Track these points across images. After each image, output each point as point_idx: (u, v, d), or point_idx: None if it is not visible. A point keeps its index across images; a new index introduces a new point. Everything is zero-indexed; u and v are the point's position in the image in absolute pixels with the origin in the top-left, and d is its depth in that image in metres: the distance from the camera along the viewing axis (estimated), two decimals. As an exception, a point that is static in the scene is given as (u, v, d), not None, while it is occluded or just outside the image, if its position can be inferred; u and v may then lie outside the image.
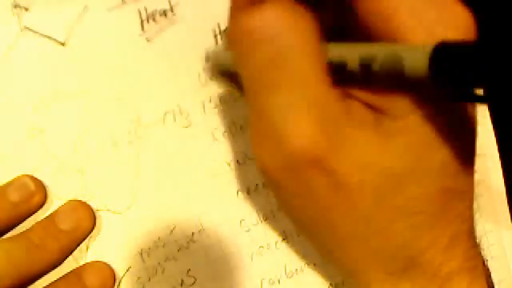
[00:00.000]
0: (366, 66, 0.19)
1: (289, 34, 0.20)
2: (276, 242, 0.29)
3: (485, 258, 0.32)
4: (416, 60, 0.18)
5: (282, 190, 0.23)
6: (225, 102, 0.30)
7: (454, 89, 0.18)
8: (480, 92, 0.18)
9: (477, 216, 0.32)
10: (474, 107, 0.22)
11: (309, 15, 0.21)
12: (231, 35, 0.22)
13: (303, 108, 0.20)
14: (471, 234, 0.24)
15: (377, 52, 0.19)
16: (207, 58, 0.29)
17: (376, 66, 0.19)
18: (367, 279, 0.24)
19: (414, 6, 0.20)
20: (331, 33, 0.22)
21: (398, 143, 0.20)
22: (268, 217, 0.29)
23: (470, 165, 0.22)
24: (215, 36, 0.30)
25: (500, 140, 0.33)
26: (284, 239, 0.29)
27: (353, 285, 0.25)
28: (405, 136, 0.20)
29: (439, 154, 0.21)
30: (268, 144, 0.21)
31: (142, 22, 0.29)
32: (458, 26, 0.19)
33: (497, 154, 0.33)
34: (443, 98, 0.20)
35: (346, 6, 0.21)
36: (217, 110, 0.30)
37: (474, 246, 0.24)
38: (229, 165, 0.29)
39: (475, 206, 0.32)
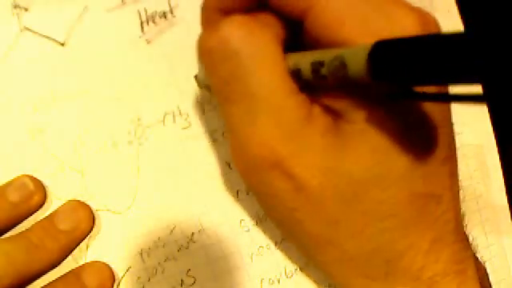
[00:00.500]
0: (315, 70, 0.20)
1: (245, 48, 0.21)
2: (276, 242, 0.29)
3: (484, 258, 0.32)
4: (357, 60, 0.18)
5: (254, 191, 0.25)
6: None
7: (393, 87, 0.19)
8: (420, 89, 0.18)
9: (477, 216, 0.32)
10: (434, 108, 0.21)
11: (266, 27, 0.22)
12: (198, 52, 0.23)
13: (262, 116, 0.21)
14: (458, 235, 0.24)
15: (324, 56, 0.20)
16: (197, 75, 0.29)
17: (324, 71, 0.20)
18: (347, 283, 0.24)
19: (360, 14, 0.20)
20: (290, 44, 0.22)
21: (356, 148, 0.21)
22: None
23: (443, 166, 0.22)
24: (215, 37, 0.30)
25: (500, 140, 0.33)
26: (284, 239, 0.29)
27: None
28: (362, 141, 0.21)
29: (401, 158, 0.21)
30: (236, 149, 0.23)
31: (141, 23, 0.30)
32: (405, 27, 0.20)
33: (497, 156, 0.33)
34: (387, 97, 0.20)
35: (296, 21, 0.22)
36: (216, 111, 0.30)
37: (462, 248, 0.24)
38: (228, 165, 0.29)
39: (475, 206, 0.32)
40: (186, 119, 0.29)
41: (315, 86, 0.21)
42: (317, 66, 0.20)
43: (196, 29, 0.30)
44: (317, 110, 0.22)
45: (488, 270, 0.32)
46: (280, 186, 0.22)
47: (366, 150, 0.21)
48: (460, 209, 0.24)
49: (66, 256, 0.27)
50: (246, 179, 0.24)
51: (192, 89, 0.30)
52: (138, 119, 0.29)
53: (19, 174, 0.27)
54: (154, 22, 0.30)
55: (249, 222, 0.29)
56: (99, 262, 0.28)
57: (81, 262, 0.27)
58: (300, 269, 0.29)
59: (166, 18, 0.30)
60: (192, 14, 0.30)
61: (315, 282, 0.29)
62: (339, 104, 0.21)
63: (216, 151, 0.29)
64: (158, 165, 0.29)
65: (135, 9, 0.30)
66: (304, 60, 0.21)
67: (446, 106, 0.23)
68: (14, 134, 0.28)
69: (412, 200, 0.22)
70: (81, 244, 0.27)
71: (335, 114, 0.22)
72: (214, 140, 0.30)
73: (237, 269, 0.29)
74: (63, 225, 0.27)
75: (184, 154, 0.29)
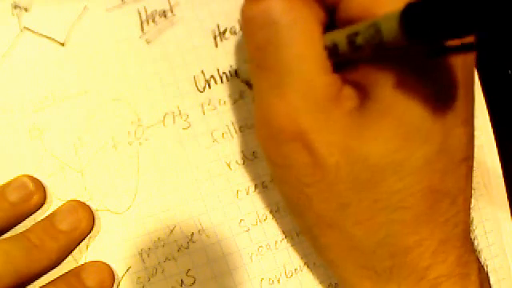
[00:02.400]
0: (351, 42, 0.20)
1: (285, 20, 0.21)
2: (276, 242, 0.29)
3: (485, 258, 0.32)
4: (390, 24, 0.18)
5: (271, 161, 0.24)
6: (224, 104, 0.30)
7: (428, 44, 0.19)
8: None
9: (476, 215, 0.32)
10: (459, 106, 0.21)
11: (308, 5, 0.22)
12: (242, 21, 0.23)
13: (291, 87, 0.21)
14: (466, 239, 0.23)
15: (359, 27, 0.20)
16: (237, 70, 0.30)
17: (360, 40, 0.20)
18: (347, 274, 0.24)
19: None
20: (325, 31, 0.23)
21: (379, 132, 0.21)
22: (268, 217, 0.29)
23: (461, 166, 0.22)
24: (215, 37, 0.30)
25: (499, 140, 0.33)
26: (284, 239, 0.29)
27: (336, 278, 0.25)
28: (386, 124, 0.21)
29: (422, 148, 0.21)
30: (260, 117, 0.23)
31: (141, 23, 0.30)
32: None
33: (497, 156, 0.33)
34: (422, 57, 0.20)
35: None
36: (216, 111, 0.30)
37: (468, 252, 0.23)
38: (228, 165, 0.29)
39: (475, 205, 0.32)
40: (185, 120, 0.29)
41: (350, 61, 0.22)
42: (352, 38, 0.20)
43: (196, 28, 0.30)
44: (346, 91, 0.22)
45: (488, 270, 0.32)
46: (298, 159, 0.22)
47: (389, 134, 0.21)
48: (470, 213, 0.24)
49: (66, 256, 0.27)
50: (265, 148, 0.24)
51: (192, 89, 0.30)
52: (138, 119, 0.29)
53: (19, 173, 0.27)
54: (153, 21, 0.30)
55: (249, 222, 0.29)
56: (99, 261, 0.28)
57: (81, 262, 0.27)
58: (300, 269, 0.29)
59: (165, 16, 0.30)
60: (192, 12, 0.30)
61: (315, 282, 0.29)
62: (368, 80, 0.21)
63: (216, 151, 0.29)
64: (158, 165, 0.29)
65: (135, 8, 0.30)
66: (340, 34, 0.21)
67: (471, 106, 0.22)
68: (14, 134, 0.28)
69: (427, 195, 0.21)
70: (81, 244, 0.27)
71: (363, 94, 0.22)
72: (214, 140, 0.30)
73: (237, 269, 0.29)
74: (63, 225, 0.27)
75: (184, 154, 0.29)
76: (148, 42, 0.30)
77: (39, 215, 0.27)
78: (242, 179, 0.29)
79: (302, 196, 0.23)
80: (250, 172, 0.30)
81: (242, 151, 0.30)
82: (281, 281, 0.29)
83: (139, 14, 0.30)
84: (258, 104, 0.23)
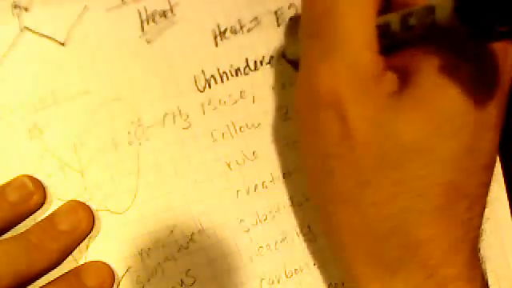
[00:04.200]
0: (404, 21, 0.22)
1: None
2: (276, 242, 0.29)
3: (485, 258, 0.32)
4: (444, 6, 0.20)
5: (303, 126, 0.25)
6: (224, 104, 0.30)
7: (480, 26, 0.19)
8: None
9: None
10: (491, 111, 0.22)
11: None
12: None
13: (338, 57, 0.22)
14: (475, 246, 0.23)
15: (415, 8, 0.21)
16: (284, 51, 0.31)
17: (412, 20, 0.21)
18: (353, 263, 0.23)
19: None
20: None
21: (415, 115, 0.21)
22: (268, 217, 0.29)
23: (484, 172, 0.22)
24: (215, 37, 0.30)
25: (499, 139, 0.33)
26: (284, 239, 0.29)
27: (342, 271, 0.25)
28: (423, 109, 0.21)
29: (454, 140, 0.21)
30: (304, 82, 0.24)
31: (141, 22, 0.30)
32: None
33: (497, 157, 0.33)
34: (472, 39, 0.21)
35: None
36: (216, 111, 0.30)
37: (476, 257, 0.23)
38: (228, 165, 0.29)
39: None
40: (185, 119, 0.29)
41: (398, 43, 0.23)
42: (406, 17, 0.22)
43: (196, 27, 0.30)
44: (388, 75, 0.23)
45: (488, 270, 0.32)
46: (329, 127, 0.22)
47: (424, 120, 0.21)
48: (481, 224, 0.24)
49: (66, 256, 0.27)
50: (300, 112, 0.24)
51: (192, 88, 0.30)
52: (138, 119, 0.29)
53: (19, 173, 0.27)
54: (154, 21, 0.30)
55: (249, 222, 0.29)
56: (99, 261, 0.28)
57: (81, 262, 0.27)
58: (300, 269, 0.29)
59: (166, 16, 0.30)
60: (192, 12, 0.30)
61: (315, 282, 0.29)
62: (411, 67, 0.22)
63: (216, 151, 0.29)
64: (158, 165, 0.29)
65: (135, 8, 0.30)
66: (394, 15, 0.22)
67: (503, 114, 0.23)
68: (14, 134, 0.28)
69: (448, 191, 0.21)
70: (81, 244, 0.27)
71: (404, 80, 0.22)
72: (214, 140, 0.30)
73: (236, 269, 0.29)
74: (63, 225, 0.27)
75: (184, 154, 0.29)
76: (148, 42, 0.30)
77: (39, 215, 0.27)
78: (242, 179, 0.29)
79: (325, 167, 0.23)
80: (250, 172, 0.30)
81: (242, 151, 0.30)
82: (281, 281, 0.29)
83: (139, 13, 0.30)
84: (305, 69, 0.24)
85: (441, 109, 0.21)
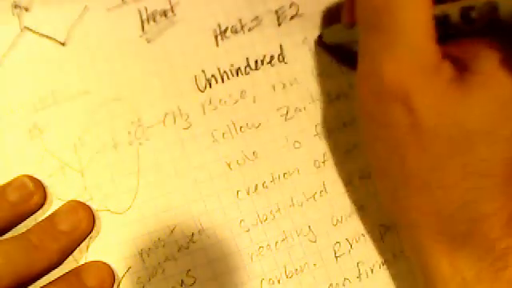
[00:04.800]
0: (465, 14, 0.23)
1: None
2: (276, 243, 0.29)
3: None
4: (510, 3, 0.21)
5: (370, 119, 0.25)
6: (224, 103, 0.30)
7: None
8: None
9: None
10: None
11: None
12: None
13: (401, 49, 0.23)
14: None
15: (475, 2, 0.22)
16: (322, 34, 0.31)
17: (474, 14, 0.22)
18: (421, 240, 0.25)
19: None
20: None
21: (476, 99, 0.22)
22: (268, 217, 0.29)
23: None
24: (215, 36, 0.30)
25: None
26: (284, 239, 0.29)
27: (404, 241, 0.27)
28: (483, 94, 0.22)
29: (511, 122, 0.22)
30: (365, 74, 0.25)
31: (142, 22, 0.29)
32: None
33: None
34: None
35: None
36: (216, 111, 0.30)
37: None
38: (229, 165, 0.29)
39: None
40: (186, 119, 0.29)
41: (457, 33, 0.24)
42: (466, 11, 0.23)
43: (197, 27, 0.30)
44: (447, 63, 0.24)
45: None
46: (397, 117, 0.23)
47: (486, 102, 0.22)
48: None
49: (67, 257, 0.27)
50: (366, 105, 0.25)
51: (193, 88, 0.30)
52: (139, 119, 0.29)
53: (19, 173, 0.27)
54: (154, 20, 0.30)
55: (249, 222, 0.29)
56: (99, 261, 0.28)
57: (81, 262, 0.27)
58: (300, 269, 0.29)
59: (166, 16, 0.30)
60: (193, 12, 0.30)
61: (315, 282, 0.29)
62: (469, 55, 0.23)
63: (216, 151, 0.29)
64: (158, 165, 0.29)
65: (136, 8, 0.30)
66: (452, 7, 0.23)
67: None
68: (14, 134, 0.28)
69: (507, 167, 0.22)
70: (81, 244, 0.27)
71: (462, 67, 0.23)
72: (214, 140, 0.30)
73: (237, 269, 0.29)
74: (63, 225, 0.27)
75: (184, 154, 0.29)
76: (148, 42, 0.29)
77: (39, 215, 0.27)
78: (242, 179, 0.29)
79: (395, 156, 0.24)
80: (251, 172, 0.30)
81: (243, 151, 0.30)
82: (281, 281, 0.29)
83: (140, 13, 0.30)
84: (367, 62, 0.25)
85: (500, 94, 0.22)
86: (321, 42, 0.31)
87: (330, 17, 0.32)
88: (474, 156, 0.23)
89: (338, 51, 0.31)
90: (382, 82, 0.24)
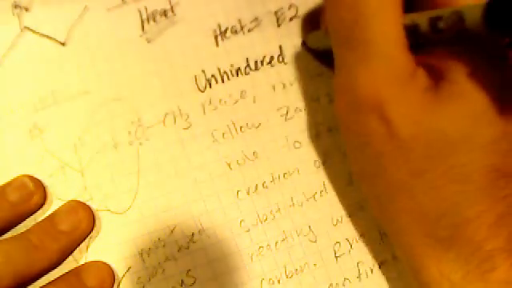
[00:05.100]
0: (433, 25, 0.23)
1: (375, 1, 0.23)
2: (276, 243, 0.29)
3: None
4: (474, 14, 0.21)
5: (349, 130, 0.26)
6: (224, 104, 0.30)
7: (507, 36, 0.21)
8: None
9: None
10: None
11: None
12: (328, 2, 0.26)
13: (375, 60, 0.23)
14: None
15: (442, 12, 0.22)
16: (305, 40, 0.31)
17: (442, 24, 0.22)
18: (410, 241, 0.25)
19: None
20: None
21: (453, 108, 0.23)
22: (268, 217, 0.29)
23: None
24: (215, 36, 0.30)
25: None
26: (284, 239, 0.29)
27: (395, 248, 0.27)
28: (460, 103, 0.23)
29: (491, 127, 0.23)
30: (344, 88, 0.25)
31: (142, 22, 0.30)
32: None
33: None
34: (500, 48, 0.22)
35: None
36: (216, 111, 0.30)
37: None
38: (229, 165, 0.29)
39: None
40: (186, 119, 0.29)
41: (427, 42, 0.24)
42: (434, 21, 0.23)
43: (197, 27, 0.30)
44: (421, 71, 0.24)
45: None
46: (375, 128, 0.24)
47: (462, 111, 0.23)
48: None
49: (67, 257, 0.27)
50: (345, 117, 0.26)
51: (193, 88, 0.30)
52: (139, 119, 0.29)
53: (19, 173, 0.27)
54: (154, 20, 0.30)
55: (249, 223, 0.29)
56: (99, 261, 0.28)
57: (81, 262, 0.27)
58: (300, 269, 0.29)
59: (166, 16, 0.30)
60: (193, 12, 0.30)
61: (315, 282, 0.29)
62: (444, 64, 0.23)
63: (216, 151, 0.29)
64: (158, 165, 0.29)
65: (136, 7, 0.30)
66: (421, 17, 0.23)
67: None
68: (14, 134, 0.28)
69: (488, 171, 0.23)
70: (81, 244, 0.27)
71: (437, 76, 0.24)
72: (214, 140, 0.30)
73: (237, 269, 0.29)
74: (63, 225, 0.27)
75: (184, 154, 0.29)
76: (148, 42, 0.30)
77: (39, 215, 0.27)
78: (242, 179, 0.29)
79: (376, 165, 0.25)
80: (251, 172, 0.30)
81: (243, 151, 0.30)
82: (281, 281, 0.29)
83: (140, 13, 0.30)
84: (343, 75, 0.25)
85: (475, 102, 0.22)
86: (305, 47, 0.32)
87: (313, 22, 0.32)
88: (453, 162, 0.23)
89: (322, 55, 0.31)
90: (357, 95, 0.24)
